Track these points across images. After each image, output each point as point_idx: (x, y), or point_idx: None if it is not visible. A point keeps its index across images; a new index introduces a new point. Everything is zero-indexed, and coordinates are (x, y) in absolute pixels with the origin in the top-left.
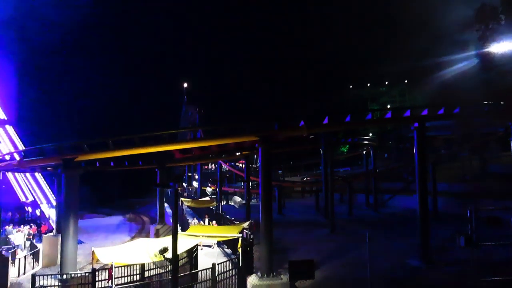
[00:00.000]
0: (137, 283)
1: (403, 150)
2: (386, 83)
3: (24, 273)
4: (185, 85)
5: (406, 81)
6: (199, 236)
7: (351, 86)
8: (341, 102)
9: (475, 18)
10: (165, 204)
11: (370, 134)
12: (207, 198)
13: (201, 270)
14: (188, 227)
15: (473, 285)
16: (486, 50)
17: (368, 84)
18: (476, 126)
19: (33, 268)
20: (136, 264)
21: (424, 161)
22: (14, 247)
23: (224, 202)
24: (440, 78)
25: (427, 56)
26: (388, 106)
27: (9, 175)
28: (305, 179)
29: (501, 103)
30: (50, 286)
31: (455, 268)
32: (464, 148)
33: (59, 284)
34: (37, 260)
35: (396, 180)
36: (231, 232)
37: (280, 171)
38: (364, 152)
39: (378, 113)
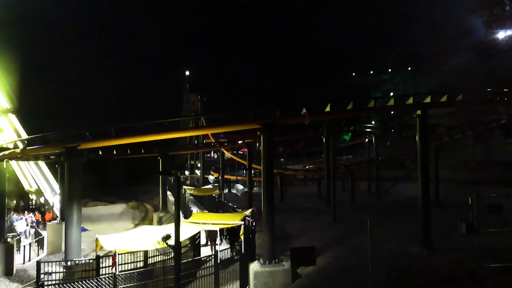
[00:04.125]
0: (141, 269)
1: (405, 138)
2: (389, 70)
3: (29, 260)
4: (187, 73)
5: (409, 68)
6: (201, 223)
7: (354, 74)
8: (344, 89)
9: (479, 3)
10: (168, 192)
11: (373, 122)
12: (210, 186)
13: (203, 257)
14: (191, 215)
15: (474, 272)
16: (490, 36)
17: (371, 72)
18: (479, 113)
19: (38, 255)
20: (140, 251)
21: (426, 148)
22: (18, 235)
23: (226, 190)
24: (444, 65)
25: (431, 43)
26: (391, 94)
27: (13, 163)
28: (307, 167)
29: (505, 90)
30: (55, 272)
31: (456, 254)
32: (467, 135)
33: (64, 270)
34: (42, 247)
35: (398, 168)
36: (233, 220)
37: (282, 159)
38: (367, 140)
39: (380, 100)
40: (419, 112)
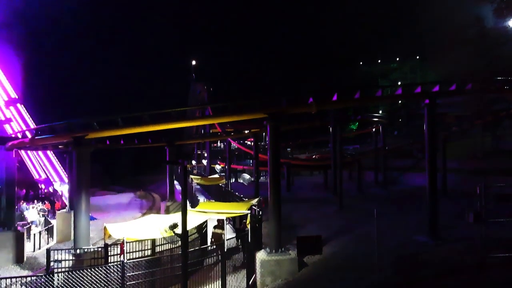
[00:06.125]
0: (149, 257)
1: (413, 128)
2: (397, 59)
3: (40, 248)
4: (193, 62)
5: (417, 57)
6: (208, 212)
7: (361, 63)
8: (352, 78)
9: None
10: (175, 182)
11: (380, 112)
12: (216, 176)
13: (210, 245)
14: (198, 204)
15: (481, 261)
16: (501, 23)
17: (379, 61)
18: (488, 102)
19: (47, 243)
20: (147, 240)
21: (434, 138)
22: (29, 223)
23: (233, 180)
24: (452, 54)
25: (440, 30)
26: (399, 83)
27: (22, 153)
28: (314, 156)
29: None
30: (65, 260)
31: (463, 244)
32: (475, 125)
33: (73, 258)
34: (52, 236)
35: (405, 157)
36: (240, 209)
37: (288, 149)
38: (374, 129)
39: (388, 89)
40: (427, 101)
